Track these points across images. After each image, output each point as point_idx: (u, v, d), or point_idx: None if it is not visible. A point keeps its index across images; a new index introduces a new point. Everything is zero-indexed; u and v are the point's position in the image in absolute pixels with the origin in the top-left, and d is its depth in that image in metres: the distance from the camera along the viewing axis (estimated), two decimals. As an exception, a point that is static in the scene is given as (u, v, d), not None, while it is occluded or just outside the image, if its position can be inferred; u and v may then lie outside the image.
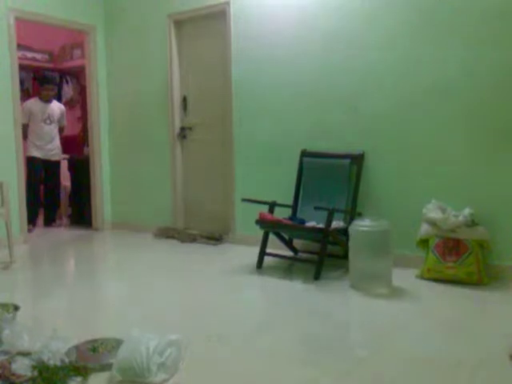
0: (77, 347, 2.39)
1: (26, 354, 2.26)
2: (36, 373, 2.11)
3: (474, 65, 3.60)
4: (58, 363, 2.17)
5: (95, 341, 2.47)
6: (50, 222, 6.11)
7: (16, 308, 2.84)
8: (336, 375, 2.22)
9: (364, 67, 4.05)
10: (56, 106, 6.03)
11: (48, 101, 5.91)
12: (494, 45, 3.52)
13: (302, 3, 4.32)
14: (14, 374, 2.10)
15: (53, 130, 5.93)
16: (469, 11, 3.60)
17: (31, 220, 5.49)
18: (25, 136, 5.54)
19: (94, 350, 2.39)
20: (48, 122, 5.86)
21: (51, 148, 5.91)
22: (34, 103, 5.83)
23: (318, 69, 4.27)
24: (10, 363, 2.17)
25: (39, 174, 5.88)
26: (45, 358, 2.18)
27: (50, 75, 6.35)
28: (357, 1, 4.04)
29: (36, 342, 2.33)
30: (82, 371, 2.16)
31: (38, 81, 6.43)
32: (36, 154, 5.78)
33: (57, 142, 6.01)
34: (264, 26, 4.55)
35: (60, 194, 6.28)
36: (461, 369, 2.26)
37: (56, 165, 6.05)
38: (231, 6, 4.73)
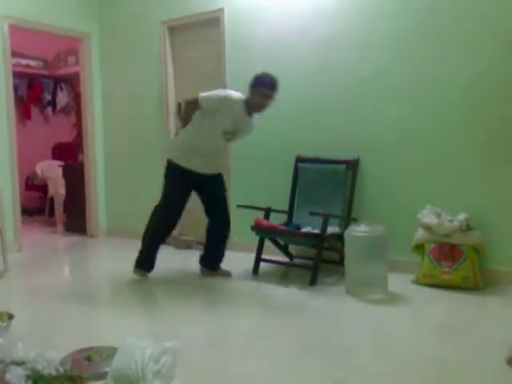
0: (71, 356, 2.36)
1: (20, 363, 2.23)
2: (30, 382, 2.08)
3: (472, 71, 3.62)
4: (53, 372, 2.15)
5: (90, 349, 2.44)
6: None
7: (10, 317, 2.81)
8: (333, 380, 2.21)
9: (359, 73, 4.06)
10: None
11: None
12: (492, 50, 3.55)
13: (297, 9, 4.34)
14: (7, 384, 2.09)
15: None
16: (468, 14, 3.63)
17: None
18: None
19: (89, 358, 2.37)
20: None
21: None
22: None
23: (312, 74, 4.28)
24: (3, 372, 2.15)
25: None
26: (39, 367, 2.15)
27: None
28: (351, 6, 4.06)
29: (30, 350, 2.30)
30: (76, 380, 2.13)
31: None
32: None
33: None
34: (258, 32, 4.57)
35: None
36: (457, 373, 2.25)
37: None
38: (225, 12, 4.74)
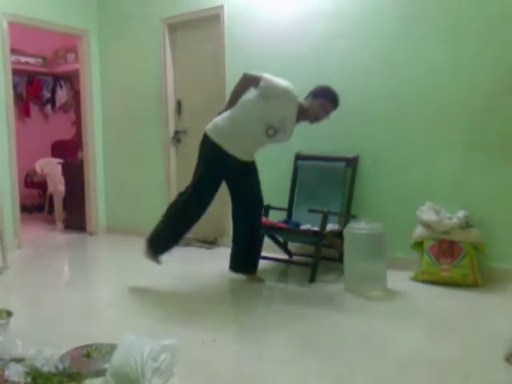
0: (70, 353, 2.37)
1: (19, 361, 2.24)
2: (29, 379, 2.09)
3: (473, 70, 3.62)
4: (52, 369, 2.16)
5: (89, 346, 2.45)
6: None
7: (9, 314, 2.81)
8: (332, 378, 2.21)
9: (359, 70, 4.06)
10: None
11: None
12: (493, 51, 3.54)
13: (297, 7, 4.33)
14: (7, 381, 2.09)
15: None
16: (469, 16, 3.63)
17: None
18: None
19: (88, 355, 2.37)
20: None
21: None
22: None
23: (311, 71, 4.27)
24: (3, 370, 2.15)
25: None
26: (38, 365, 2.16)
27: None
28: (350, 5, 4.06)
29: (29, 348, 2.31)
30: (75, 377, 2.14)
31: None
32: None
33: None
34: (258, 29, 4.56)
35: None
36: (456, 370, 2.26)
37: None
38: (225, 9, 4.73)
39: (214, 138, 3.47)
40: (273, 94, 3.35)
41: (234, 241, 3.76)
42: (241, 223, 3.68)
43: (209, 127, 3.54)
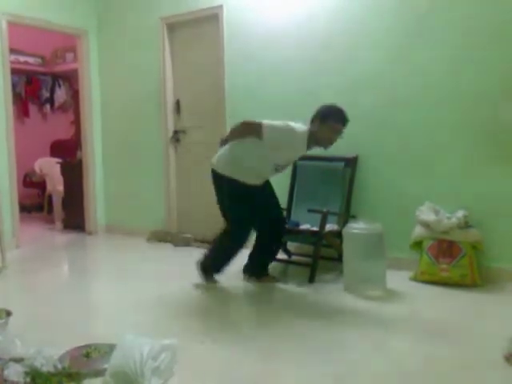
0: (70, 353, 2.37)
1: (18, 360, 2.24)
2: (29, 379, 2.09)
3: (474, 70, 3.62)
4: (51, 369, 2.15)
5: (88, 346, 2.45)
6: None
7: (8, 313, 2.81)
8: (332, 378, 2.21)
9: (358, 71, 4.06)
10: None
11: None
12: (493, 50, 3.55)
13: (295, 7, 4.33)
14: (6, 381, 2.08)
15: None
16: (468, 14, 3.63)
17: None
18: None
19: (87, 355, 2.37)
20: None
21: None
22: None
23: (311, 71, 4.27)
24: (2, 369, 2.15)
25: None
26: (38, 364, 2.16)
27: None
28: (350, 4, 4.06)
29: (29, 347, 2.31)
30: (75, 377, 2.14)
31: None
32: None
33: None
34: (257, 29, 4.56)
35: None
36: (455, 370, 2.26)
37: None
38: (224, 9, 4.73)
39: (238, 177, 3.43)
40: (280, 144, 3.31)
41: (257, 248, 3.77)
42: (265, 231, 3.71)
43: (226, 169, 3.48)
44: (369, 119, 4.02)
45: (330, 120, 3.33)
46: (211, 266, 3.67)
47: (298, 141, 3.35)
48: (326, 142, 3.40)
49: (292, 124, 3.36)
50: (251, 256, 3.78)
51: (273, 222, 3.71)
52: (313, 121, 3.39)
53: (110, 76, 5.73)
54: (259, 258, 3.77)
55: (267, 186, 3.69)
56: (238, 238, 3.58)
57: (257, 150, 3.37)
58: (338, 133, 3.37)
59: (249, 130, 3.39)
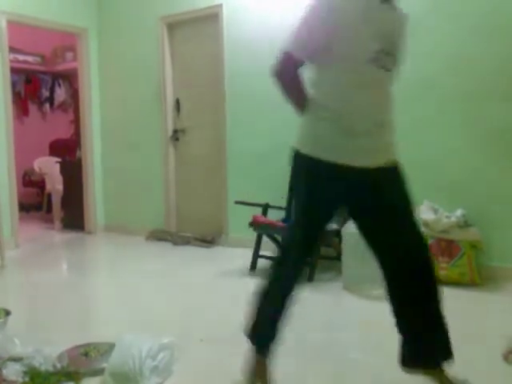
0: (68, 352, 2.36)
1: (17, 359, 2.24)
2: (27, 378, 2.09)
3: (473, 68, 3.62)
4: (50, 368, 2.16)
5: (87, 345, 2.45)
6: None
7: (7, 313, 2.80)
8: (332, 378, 2.21)
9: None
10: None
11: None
12: (498, 46, 3.55)
13: (295, 6, 4.32)
14: (5, 380, 2.09)
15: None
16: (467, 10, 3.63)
17: None
18: None
19: (86, 354, 2.37)
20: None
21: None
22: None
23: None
24: (1, 369, 2.15)
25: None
26: (36, 364, 2.16)
27: None
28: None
29: (27, 346, 2.31)
30: (73, 376, 2.14)
31: None
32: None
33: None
34: (257, 28, 4.56)
35: None
36: (454, 368, 2.26)
37: None
38: (224, 8, 4.73)
39: (305, 149, 1.99)
40: (322, 36, 1.98)
41: (400, 321, 2.12)
42: (401, 286, 2.11)
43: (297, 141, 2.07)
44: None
45: None
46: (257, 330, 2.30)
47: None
48: None
49: None
50: (407, 340, 2.05)
51: (413, 257, 2.03)
52: None
53: (109, 75, 5.73)
54: (421, 338, 2.03)
55: (398, 191, 2.14)
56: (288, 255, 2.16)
57: (332, 69, 2.09)
58: None
59: (284, 68, 2.14)
